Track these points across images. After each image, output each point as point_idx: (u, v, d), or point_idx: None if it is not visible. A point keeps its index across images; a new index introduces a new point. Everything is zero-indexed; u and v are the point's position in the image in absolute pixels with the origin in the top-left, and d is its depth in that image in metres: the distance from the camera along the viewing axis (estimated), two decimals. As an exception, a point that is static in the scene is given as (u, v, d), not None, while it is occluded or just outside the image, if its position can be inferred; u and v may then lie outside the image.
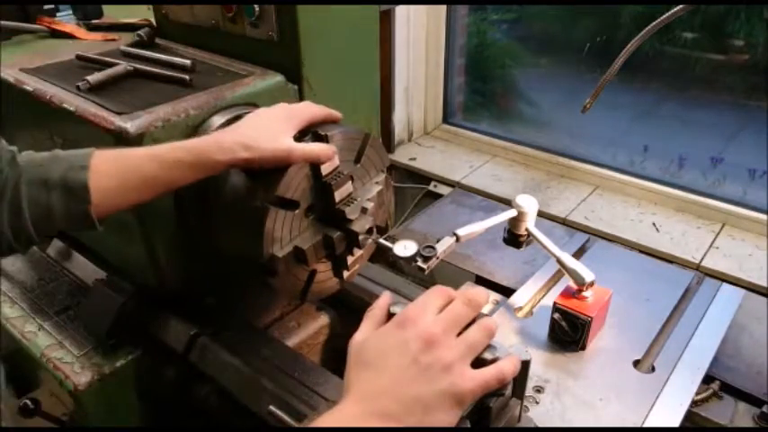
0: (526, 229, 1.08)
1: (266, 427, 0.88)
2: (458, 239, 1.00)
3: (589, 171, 2.17)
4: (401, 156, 2.41)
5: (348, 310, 1.15)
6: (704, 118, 2.02)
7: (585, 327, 0.97)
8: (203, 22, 1.15)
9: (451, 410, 0.58)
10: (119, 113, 0.91)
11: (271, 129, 0.84)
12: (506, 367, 0.62)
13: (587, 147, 2.20)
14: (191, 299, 1.05)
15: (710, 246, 1.83)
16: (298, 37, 1.02)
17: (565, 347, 1.01)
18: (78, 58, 1.12)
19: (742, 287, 1.19)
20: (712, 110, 1.99)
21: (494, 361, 0.63)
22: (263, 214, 0.82)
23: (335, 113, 0.93)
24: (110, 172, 0.79)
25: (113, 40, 1.28)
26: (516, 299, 1.13)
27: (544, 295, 1.14)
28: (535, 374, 0.95)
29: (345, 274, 0.99)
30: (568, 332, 0.99)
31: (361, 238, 0.91)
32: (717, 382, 1.01)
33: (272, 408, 0.86)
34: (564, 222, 1.96)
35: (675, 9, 1.15)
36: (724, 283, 1.18)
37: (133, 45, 1.18)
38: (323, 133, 0.88)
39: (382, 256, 1.02)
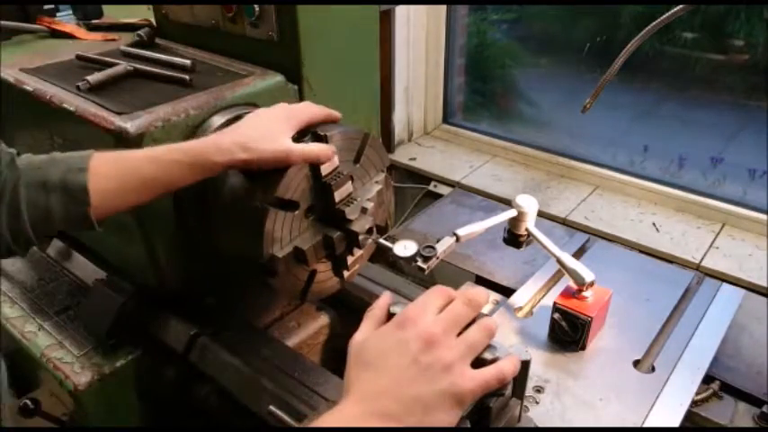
0: (526, 229, 1.08)
1: (266, 427, 0.88)
2: (458, 239, 1.00)
3: (589, 171, 2.17)
4: (401, 156, 2.41)
5: (348, 310, 1.15)
6: (704, 118, 2.02)
7: (585, 327, 0.97)
8: (203, 22, 1.15)
9: (452, 410, 0.58)
10: (119, 113, 0.91)
11: (269, 130, 0.84)
12: (506, 367, 0.62)
13: (587, 147, 2.20)
14: (191, 299, 1.05)
15: (710, 246, 1.83)
16: (298, 37, 1.02)
17: (565, 347, 1.01)
18: (78, 58, 1.12)
19: (742, 287, 1.19)
20: (712, 110, 1.99)
21: (494, 361, 0.63)
22: (263, 215, 0.82)
23: (335, 113, 0.93)
24: (109, 174, 0.79)
25: (113, 40, 1.28)
26: (516, 299, 1.13)
27: (544, 295, 1.14)
28: (535, 374, 0.95)
29: (345, 273, 0.99)
30: (568, 332, 0.99)
31: (361, 238, 0.91)
32: (717, 382, 1.01)
33: (272, 408, 0.86)
34: (564, 222, 1.96)
35: (675, 9, 1.15)
36: (724, 283, 1.18)
37: (133, 45, 1.18)
38: (322, 133, 0.88)
39: (382, 256, 1.02)
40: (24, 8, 1.34)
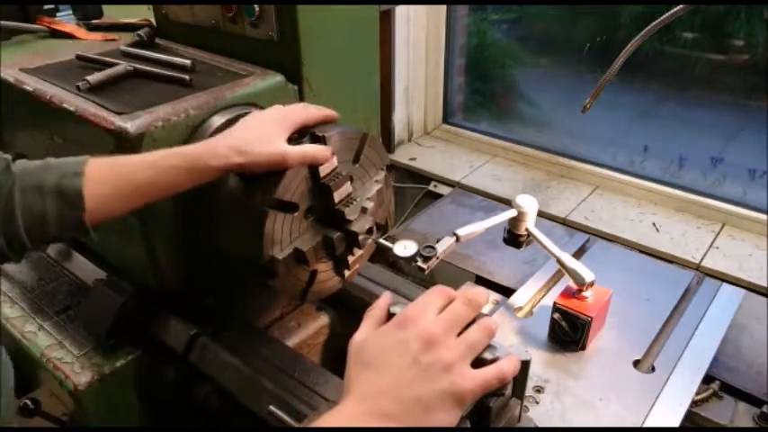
0: (526, 229, 1.08)
1: (266, 427, 0.88)
2: (458, 239, 1.00)
3: (589, 171, 2.17)
4: (401, 156, 2.41)
5: (348, 310, 1.15)
6: (704, 118, 2.02)
7: (585, 327, 0.97)
8: (203, 22, 1.15)
9: (452, 410, 0.58)
10: (119, 113, 0.91)
11: (264, 133, 0.84)
12: (506, 367, 0.62)
13: (587, 147, 2.20)
14: (191, 299, 1.05)
15: (710, 246, 1.83)
16: (298, 37, 1.02)
17: (565, 347, 1.01)
18: (78, 58, 1.12)
19: (742, 287, 1.19)
20: (712, 110, 1.99)
21: (494, 361, 0.63)
22: (263, 217, 0.82)
23: (332, 114, 0.93)
24: (104, 178, 0.78)
25: (113, 40, 1.28)
26: (516, 299, 1.13)
27: (544, 295, 1.14)
28: (535, 374, 0.95)
29: (346, 273, 0.99)
30: (568, 332, 0.99)
31: (361, 238, 0.91)
32: (717, 382, 1.01)
33: (272, 408, 0.86)
34: (564, 222, 1.96)
35: (675, 9, 1.15)
36: (724, 283, 1.18)
37: (133, 45, 1.18)
38: (320, 134, 0.87)
39: (382, 256, 1.02)
40: (24, 8, 1.34)
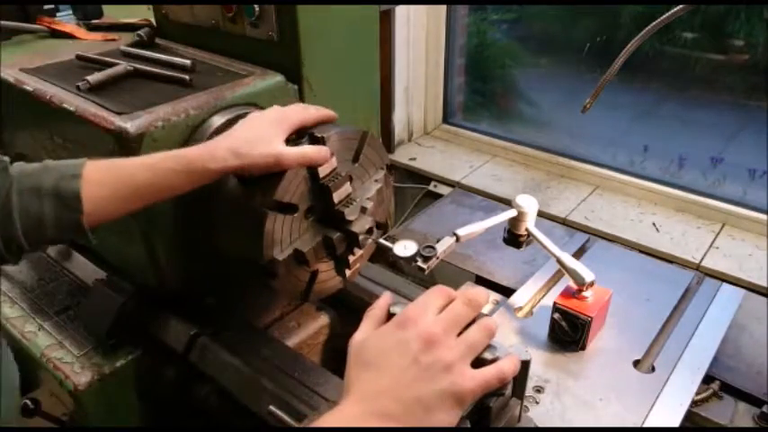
0: (526, 229, 1.08)
1: (266, 427, 0.88)
2: (458, 239, 1.00)
3: (589, 171, 2.17)
4: (401, 156, 2.41)
5: (348, 310, 1.15)
6: (704, 118, 2.02)
7: (585, 327, 0.97)
8: (203, 22, 1.15)
9: (452, 410, 0.58)
10: (119, 113, 0.91)
11: (262, 135, 0.84)
12: (506, 367, 0.62)
13: (587, 147, 2.20)
14: (191, 299, 1.05)
15: (710, 246, 1.83)
16: (298, 37, 1.02)
17: (565, 347, 1.01)
18: (78, 58, 1.12)
19: (742, 287, 1.19)
20: (712, 110, 1.99)
21: (494, 361, 0.63)
22: (262, 218, 0.82)
23: (330, 114, 0.93)
24: (102, 181, 0.78)
25: (113, 40, 1.28)
26: (516, 299, 1.13)
27: (544, 295, 1.14)
28: (535, 374, 0.95)
29: (347, 272, 0.99)
30: (568, 332, 0.99)
31: (361, 238, 0.91)
32: (717, 382, 1.01)
33: (272, 408, 0.86)
34: (564, 222, 1.96)
35: (675, 9, 1.15)
36: (724, 283, 1.18)
37: (133, 45, 1.18)
38: (319, 135, 0.87)
39: (382, 256, 1.02)
40: (24, 8, 1.34)
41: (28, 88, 1.02)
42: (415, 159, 2.39)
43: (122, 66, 1.05)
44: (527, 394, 0.86)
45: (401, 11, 2.22)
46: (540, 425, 0.85)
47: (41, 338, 1.06)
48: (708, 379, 1.00)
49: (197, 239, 0.98)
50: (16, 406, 0.97)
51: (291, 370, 0.93)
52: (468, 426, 0.62)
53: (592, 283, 0.99)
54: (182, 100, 0.96)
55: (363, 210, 0.92)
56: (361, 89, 1.20)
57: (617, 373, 0.96)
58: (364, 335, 0.65)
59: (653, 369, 0.97)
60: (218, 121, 0.96)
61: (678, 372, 0.96)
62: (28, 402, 1.01)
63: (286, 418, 0.84)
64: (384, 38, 2.19)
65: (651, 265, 1.26)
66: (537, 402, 0.91)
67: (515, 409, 0.69)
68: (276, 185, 0.82)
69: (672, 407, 0.90)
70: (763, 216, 1.84)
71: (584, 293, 0.99)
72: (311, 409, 0.85)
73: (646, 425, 0.87)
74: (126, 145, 0.89)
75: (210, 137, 0.94)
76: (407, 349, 0.60)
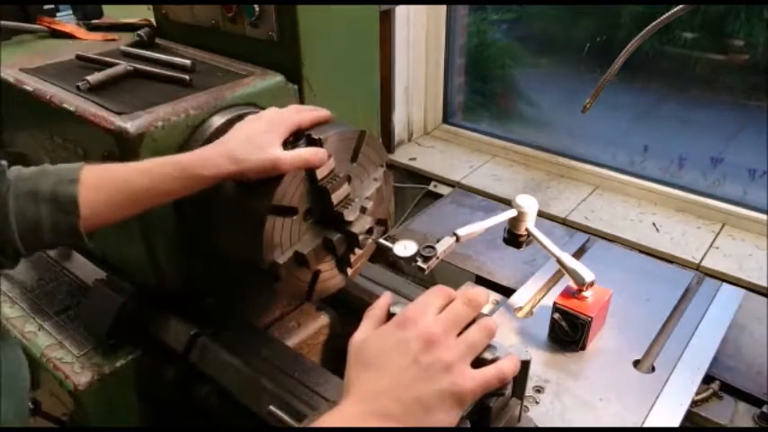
0: (526, 229, 1.08)
1: (266, 427, 0.88)
2: (458, 239, 1.00)
3: (589, 171, 2.17)
4: (401, 156, 2.41)
5: (348, 310, 1.15)
6: (704, 118, 2.02)
7: (585, 327, 0.97)
8: (203, 22, 1.15)
9: (452, 410, 0.58)
10: (119, 113, 0.91)
11: (258, 139, 0.84)
12: (506, 367, 0.62)
13: (587, 147, 2.20)
14: (191, 299, 1.05)
15: (710, 246, 1.83)
16: (298, 37, 1.02)
17: (565, 347, 1.01)
18: (78, 58, 1.12)
19: (742, 287, 1.19)
20: (712, 110, 1.99)
21: (494, 361, 0.63)
22: (262, 222, 0.82)
23: (326, 114, 0.92)
24: (99, 185, 0.78)
25: (113, 40, 1.28)
26: (516, 299, 1.13)
27: (544, 295, 1.14)
28: (535, 374, 0.95)
29: (349, 271, 0.99)
30: (568, 332, 0.99)
31: (361, 238, 0.91)
32: (717, 382, 1.01)
33: (272, 408, 0.86)
34: (564, 222, 1.96)
35: (675, 9, 1.15)
36: (724, 283, 1.18)
37: (133, 45, 1.18)
38: (316, 137, 0.87)
39: (382, 256, 1.02)
40: (24, 8, 1.34)
41: (28, 88, 1.02)
42: (415, 159, 2.39)
43: (122, 66, 1.05)
44: (527, 394, 0.86)
45: (401, 11, 2.22)
46: (540, 425, 0.85)
47: (41, 338, 1.06)
48: (708, 379, 1.00)
49: (197, 239, 0.98)
50: (28, 407, 0.97)
51: (291, 370, 0.93)
52: (468, 426, 0.62)
53: (592, 283, 0.99)
54: (182, 100, 0.96)
55: (363, 209, 0.92)
56: (361, 89, 1.20)
57: (617, 373, 0.96)
58: (364, 335, 0.65)
59: (653, 369, 0.97)
60: (218, 121, 0.96)
61: (678, 372, 0.96)
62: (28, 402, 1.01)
63: (286, 418, 0.84)
64: (384, 38, 2.19)
65: (651, 265, 1.26)
66: (537, 402, 0.91)
67: (515, 409, 0.69)
68: (274, 189, 0.82)
69: (672, 407, 0.90)
70: (763, 216, 1.84)
71: (584, 293, 0.99)
72: (311, 409, 0.85)
73: (646, 425, 0.87)
74: (126, 145, 0.89)
75: (210, 137, 0.94)
76: (407, 349, 0.60)
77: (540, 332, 1.03)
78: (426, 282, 1.46)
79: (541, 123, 2.37)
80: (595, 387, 0.94)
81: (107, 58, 1.10)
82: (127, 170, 0.81)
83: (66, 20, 1.39)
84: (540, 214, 1.12)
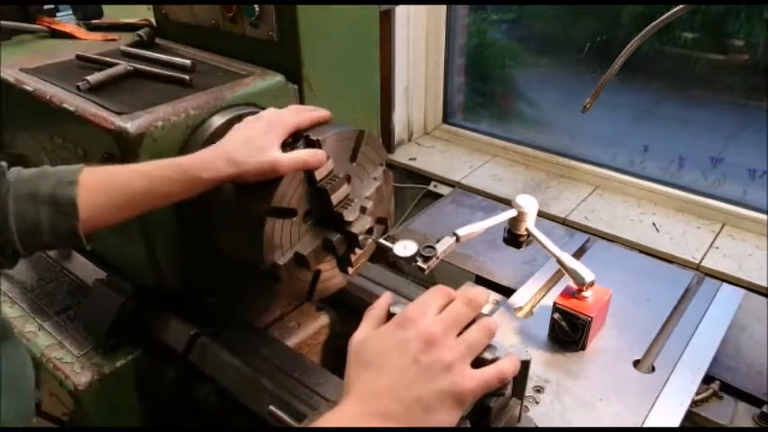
0: (526, 229, 1.08)
1: (266, 427, 0.88)
2: (458, 239, 1.00)
3: (589, 171, 2.17)
4: (401, 156, 2.41)
5: (348, 310, 1.15)
6: (704, 118, 2.02)
7: (585, 327, 0.97)
8: (203, 22, 1.15)
9: (452, 410, 0.58)
10: (119, 113, 0.91)
11: (255, 141, 0.84)
12: (506, 367, 0.62)
13: (587, 147, 2.20)
14: (191, 299, 1.05)
15: (710, 246, 1.83)
16: (298, 37, 1.02)
17: (565, 347, 1.01)
18: (78, 58, 1.12)
19: (742, 287, 1.19)
20: (712, 110, 1.99)
21: (494, 361, 0.63)
22: (261, 224, 0.82)
23: (325, 114, 0.92)
24: (98, 188, 0.78)
25: (113, 40, 1.28)
26: (516, 299, 1.13)
27: (544, 295, 1.14)
28: (535, 374, 0.95)
29: (350, 270, 0.99)
30: (568, 332, 0.99)
31: (360, 238, 0.91)
32: (717, 382, 1.01)
33: (272, 408, 0.86)
34: (564, 222, 1.96)
35: (675, 9, 1.15)
36: (724, 283, 1.18)
37: (133, 45, 1.18)
38: (315, 138, 0.87)
39: (382, 256, 1.02)
40: (24, 8, 1.34)
41: (28, 88, 1.03)
42: (414, 159, 2.39)
43: (122, 66, 1.05)
44: (527, 394, 0.86)
45: (401, 11, 2.22)
46: (540, 425, 0.85)
47: (41, 338, 1.06)
48: (708, 379, 1.00)
49: (197, 240, 0.98)
50: (33, 407, 0.97)
51: (291, 370, 0.93)
52: (468, 426, 0.62)
53: (592, 283, 0.99)
54: (182, 100, 0.96)
55: (363, 209, 0.92)
56: (361, 89, 1.20)
57: (617, 373, 0.96)
58: (364, 335, 0.65)
59: (653, 369, 0.97)
60: (218, 121, 0.96)
61: (678, 372, 0.96)
62: (28, 402, 1.01)
63: (286, 418, 0.84)
64: (384, 38, 2.19)
65: (651, 265, 1.26)
66: (537, 402, 0.91)
67: (515, 409, 0.69)
68: (273, 191, 0.82)
69: (672, 407, 0.90)
70: (763, 216, 1.84)
71: (584, 293, 0.99)
72: (311, 409, 0.85)
73: (646, 425, 0.87)
74: (126, 145, 0.89)
75: (210, 137, 0.94)
76: (407, 349, 0.60)
77: (540, 332, 1.03)
78: (426, 282, 1.46)
79: (541, 123, 2.37)
80: (595, 387, 0.94)
81: (107, 58, 1.10)
82: (126, 172, 0.81)
83: (66, 20, 1.39)
84: (540, 214, 1.12)
